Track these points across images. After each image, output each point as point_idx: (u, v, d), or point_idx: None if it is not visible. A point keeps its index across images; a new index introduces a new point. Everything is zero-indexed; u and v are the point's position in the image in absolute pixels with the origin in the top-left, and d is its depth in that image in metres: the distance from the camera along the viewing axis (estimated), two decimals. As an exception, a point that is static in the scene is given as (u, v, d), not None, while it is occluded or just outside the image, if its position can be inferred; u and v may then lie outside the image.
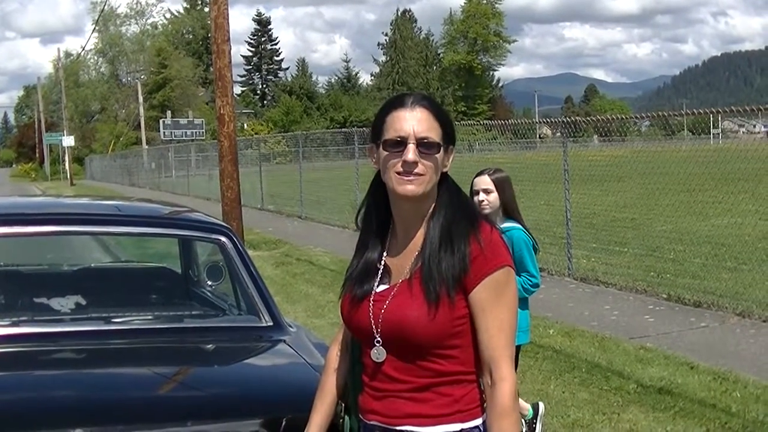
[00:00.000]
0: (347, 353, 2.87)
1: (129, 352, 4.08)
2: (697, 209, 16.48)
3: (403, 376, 2.60)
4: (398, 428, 2.61)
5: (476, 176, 5.77)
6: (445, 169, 2.66)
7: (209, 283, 5.39)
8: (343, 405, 2.92)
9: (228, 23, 15.10)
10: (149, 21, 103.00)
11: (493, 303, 2.55)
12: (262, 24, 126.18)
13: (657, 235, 16.04)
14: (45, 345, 4.03)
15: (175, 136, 68.05)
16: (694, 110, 12.87)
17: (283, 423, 3.42)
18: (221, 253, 4.72)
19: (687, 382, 7.37)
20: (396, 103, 2.64)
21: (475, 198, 5.63)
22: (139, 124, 77.90)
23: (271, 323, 4.36)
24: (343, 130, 37.61)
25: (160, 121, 74.52)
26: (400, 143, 2.57)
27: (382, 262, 2.71)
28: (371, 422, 2.69)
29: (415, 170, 2.55)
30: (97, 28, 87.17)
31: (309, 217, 24.28)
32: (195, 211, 5.51)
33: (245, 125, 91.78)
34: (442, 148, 2.60)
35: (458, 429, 2.58)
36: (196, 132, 69.78)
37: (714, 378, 7.46)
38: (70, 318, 4.55)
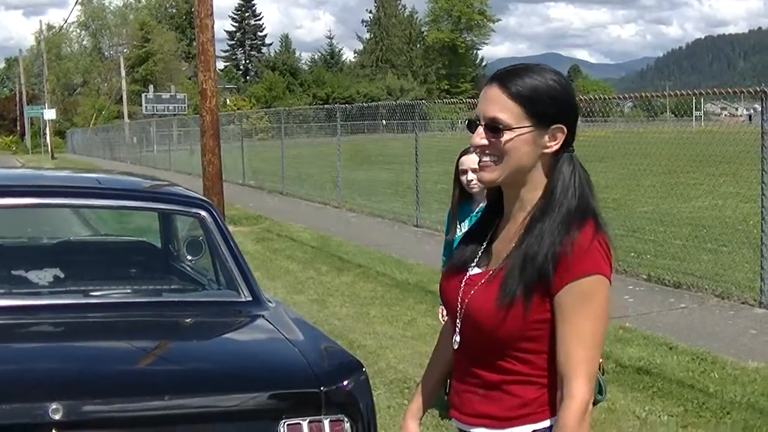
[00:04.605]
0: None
1: (107, 326, 4.06)
2: (679, 191, 16.56)
3: (476, 369, 2.45)
4: (472, 430, 2.48)
5: (463, 155, 5.64)
6: (546, 150, 2.40)
7: (189, 257, 5.36)
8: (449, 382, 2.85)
9: (211, -3, 15.02)
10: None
11: (575, 311, 2.32)
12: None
13: (638, 216, 16.06)
14: (23, 318, 4.00)
15: (157, 111, 67.99)
16: (677, 92, 12.91)
17: (261, 398, 3.41)
18: (201, 228, 4.70)
19: (665, 362, 7.41)
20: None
21: (463, 177, 5.51)
22: (121, 98, 77.39)
23: (250, 298, 4.34)
24: (325, 106, 37.56)
25: (143, 95, 74.29)
26: (474, 125, 2.39)
27: (485, 243, 2.54)
28: (453, 418, 2.57)
29: (486, 153, 2.37)
30: (80, 0, 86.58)
31: (290, 193, 24.23)
32: (175, 185, 5.47)
33: (228, 100, 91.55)
34: (516, 130, 2.33)
35: (530, 431, 2.40)
36: (178, 106, 69.74)
37: (692, 359, 7.49)
38: (48, 291, 4.51)
